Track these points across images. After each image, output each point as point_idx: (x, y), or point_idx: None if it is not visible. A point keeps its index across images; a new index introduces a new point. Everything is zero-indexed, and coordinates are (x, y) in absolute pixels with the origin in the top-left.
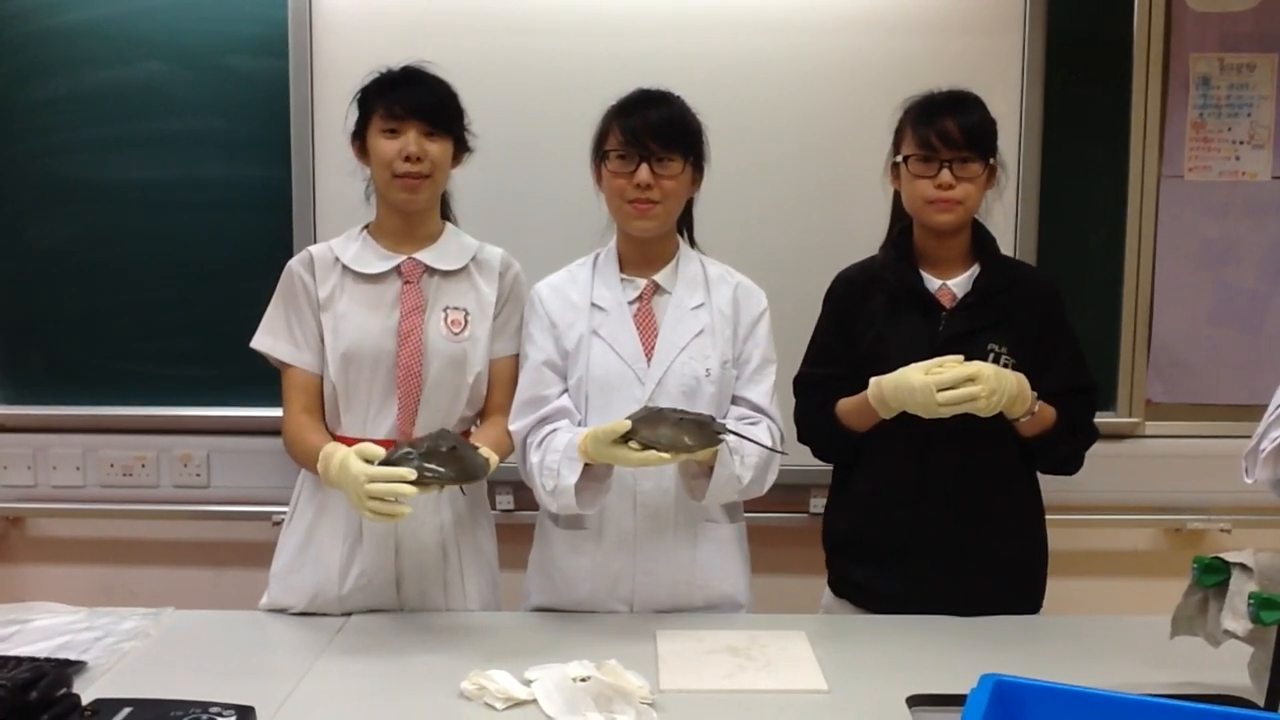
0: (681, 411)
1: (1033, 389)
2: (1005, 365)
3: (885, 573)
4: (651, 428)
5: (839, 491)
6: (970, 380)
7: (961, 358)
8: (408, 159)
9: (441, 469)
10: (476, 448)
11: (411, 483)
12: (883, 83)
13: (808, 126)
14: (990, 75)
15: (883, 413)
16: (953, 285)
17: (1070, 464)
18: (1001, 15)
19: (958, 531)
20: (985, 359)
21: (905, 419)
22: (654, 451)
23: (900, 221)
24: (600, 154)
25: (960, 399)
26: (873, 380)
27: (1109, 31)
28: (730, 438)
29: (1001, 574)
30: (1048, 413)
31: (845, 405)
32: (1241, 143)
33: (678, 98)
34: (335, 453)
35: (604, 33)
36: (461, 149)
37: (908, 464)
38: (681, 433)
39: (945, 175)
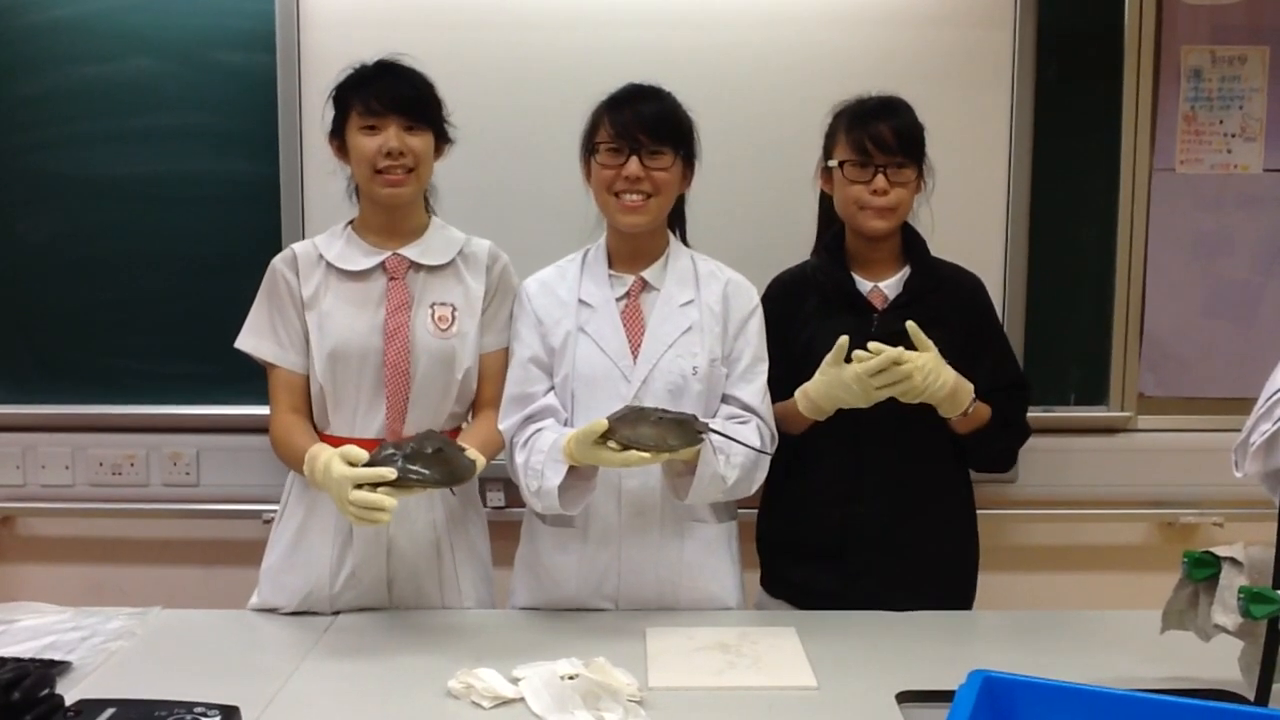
0: (663, 410)
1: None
2: None
3: (823, 571)
4: (631, 427)
5: (774, 492)
6: (896, 362)
7: (847, 339)
8: (389, 155)
9: (426, 471)
10: (463, 448)
11: (396, 485)
12: (874, 77)
13: (797, 120)
14: (981, 68)
15: (818, 416)
16: (884, 287)
17: (1003, 460)
18: (993, 8)
19: (896, 529)
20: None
21: (840, 417)
22: (635, 451)
23: (831, 225)
24: (590, 148)
25: (894, 378)
26: (798, 393)
27: (1100, 24)
28: (716, 437)
29: (938, 570)
30: (983, 410)
31: (778, 410)
32: (1233, 135)
33: (668, 93)
34: (320, 455)
35: (594, 27)
36: (442, 140)
37: (845, 463)
38: (662, 432)
39: (880, 180)
